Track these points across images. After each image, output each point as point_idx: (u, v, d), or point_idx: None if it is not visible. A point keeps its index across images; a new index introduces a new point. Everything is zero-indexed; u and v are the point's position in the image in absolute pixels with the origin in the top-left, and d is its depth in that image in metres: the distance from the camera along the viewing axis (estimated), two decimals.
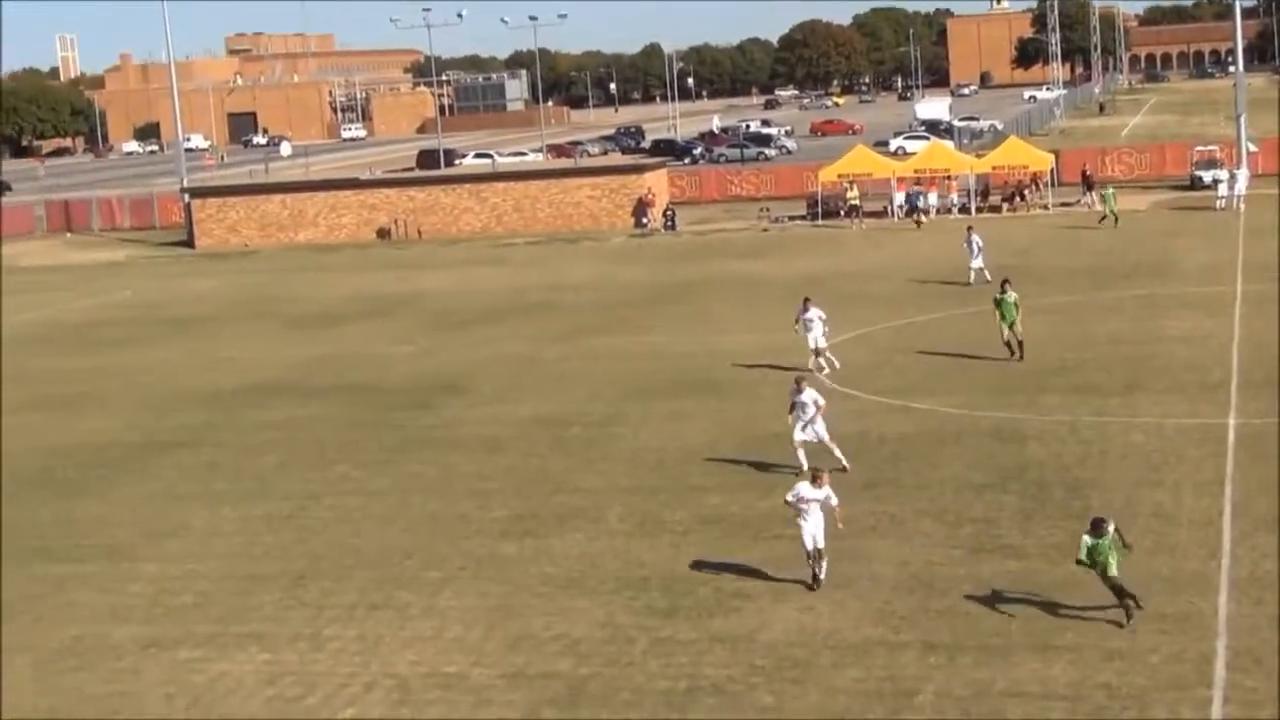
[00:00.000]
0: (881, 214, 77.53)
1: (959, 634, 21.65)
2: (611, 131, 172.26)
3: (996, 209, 77.89)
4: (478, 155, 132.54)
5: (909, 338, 44.40)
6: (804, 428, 30.30)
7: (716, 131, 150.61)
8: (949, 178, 79.21)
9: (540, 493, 30.24)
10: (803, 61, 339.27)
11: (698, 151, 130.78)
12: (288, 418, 39.39)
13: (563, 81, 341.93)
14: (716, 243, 74.11)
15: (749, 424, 35.07)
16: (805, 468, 29.27)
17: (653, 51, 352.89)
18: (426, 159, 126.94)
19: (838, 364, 39.80)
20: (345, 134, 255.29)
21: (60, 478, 34.53)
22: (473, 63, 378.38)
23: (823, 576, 23.85)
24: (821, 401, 30.48)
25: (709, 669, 20.92)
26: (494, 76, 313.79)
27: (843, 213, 77.49)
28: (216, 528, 29.64)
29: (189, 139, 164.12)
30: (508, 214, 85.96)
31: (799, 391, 30.42)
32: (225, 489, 32.49)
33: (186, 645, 23.31)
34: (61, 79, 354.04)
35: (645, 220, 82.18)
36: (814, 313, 39.69)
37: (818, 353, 39.75)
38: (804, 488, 24.09)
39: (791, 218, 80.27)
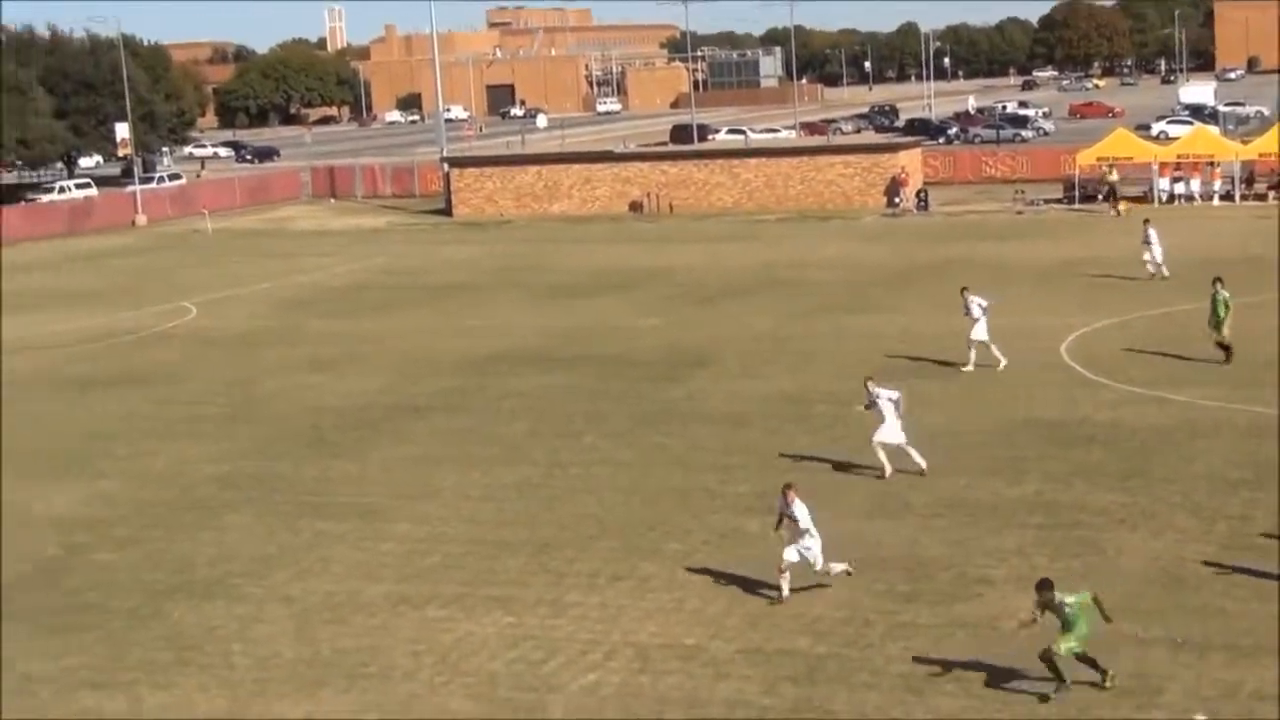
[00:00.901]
0: (1141, 199, 75.71)
1: (1209, 632, 21.19)
2: (865, 110, 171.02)
3: (1262, 196, 75.52)
4: (730, 131, 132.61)
5: (1166, 328, 43.33)
6: (884, 428, 29.61)
7: (972, 112, 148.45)
8: (1212, 164, 76.97)
9: (782, 469, 30.29)
10: (1063, 43, 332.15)
11: (952, 132, 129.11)
12: (537, 386, 40.06)
13: (817, 59, 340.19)
14: (969, 224, 73.19)
15: (994, 409, 34.66)
16: (888, 470, 29.33)
17: (909, 30, 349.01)
18: (680, 134, 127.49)
19: (1003, 360, 38.53)
20: (600, 108, 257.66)
21: (323, 437, 35.64)
22: (728, 39, 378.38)
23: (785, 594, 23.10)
24: (895, 396, 29.69)
25: (948, 655, 20.80)
26: (748, 53, 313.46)
27: (1100, 197, 75.87)
28: (466, 492, 30.32)
29: (449, 110, 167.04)
30: (759, 190, 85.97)
31: (872, 391, 29.71)
32: (476, 454, 33.19)
33: (434, 605, 23.95)
34: (329, 50, 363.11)
35: (897, 200, 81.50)
36: (975, 301, 38.73)
37: (975, 344, 38.58)
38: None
39: (1047, 201, 78.85)
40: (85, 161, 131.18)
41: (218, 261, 73.85)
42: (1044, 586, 19.43)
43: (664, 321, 49.23)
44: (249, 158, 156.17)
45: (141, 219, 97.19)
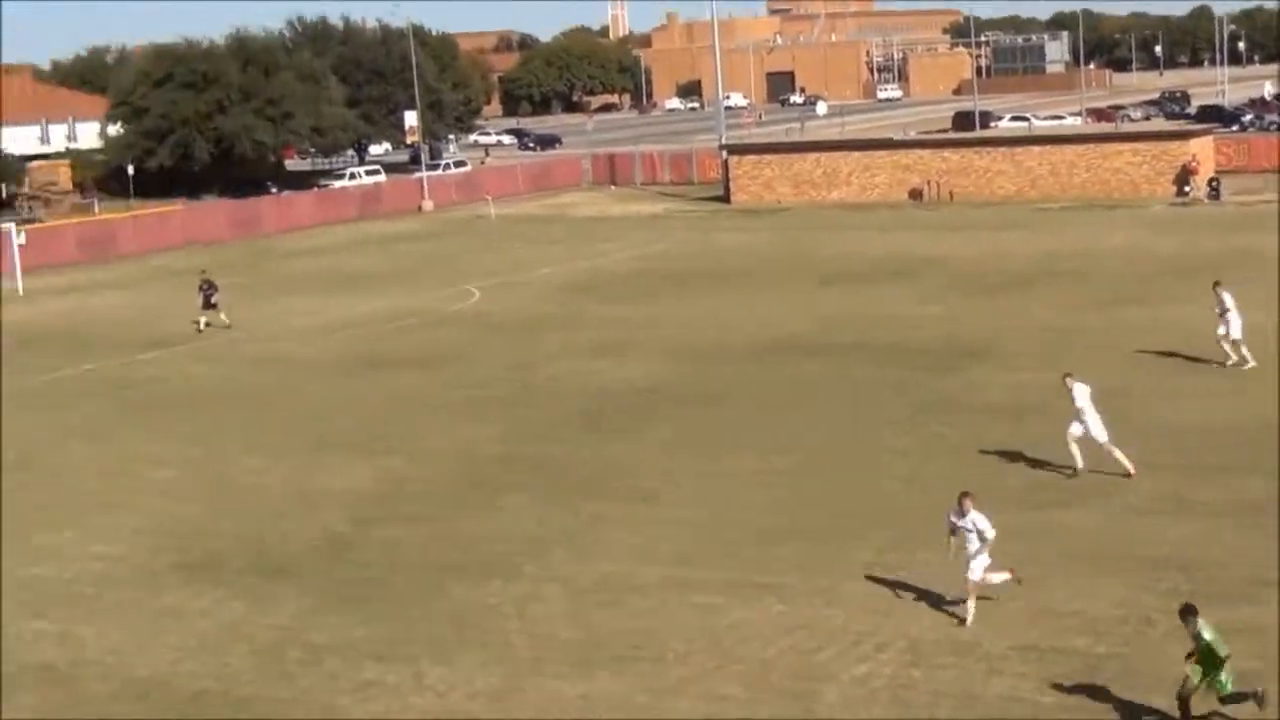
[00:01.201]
0: None
1: None
2: (1155, 96, 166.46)
3: None
4: (1014, 118, 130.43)
5: None
6: (1078, 424, 29.02)
7: (1268, 98, 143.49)
8: None
9: (1059, 464, 29.71)
10: None
11: (1247, 119, 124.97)
12: (814, 373, 40.01)
13: (1105, 43, 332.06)
14: (1264, 214, 70.72)
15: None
16: (1079, 466, 28.60)
17: (1202, 13, 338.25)
18: (962, 121, 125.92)
19: (1250, 360, 37.25)
20: (881, 94, 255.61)
21: (601, 421, 36.15)
22: (1012, 23, 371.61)
23: (967, 617, 22.07)
24: (1088, 391, 29.12)
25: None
26: (1034, 38, 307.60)
27: None
28: (741, 478, 30.44)
29: (729, 97, 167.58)
30: (1043, 178, 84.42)
31: (1070, 389, 29.22)
32: (751, 440, 33.31)
33: (707, 590, 24.12)
34: (611, 38, 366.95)
35: (1188, 189, 79.25)
36: (1226, 297, 37.36)
37: (1226, 341, 37.34)
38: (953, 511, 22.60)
39: None
40: (375, 149, 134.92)
41: (501, 247, 75.36)
42: (1188, 612, 18.41)
43: (943, 310, 48.71)
44: (531, 145, 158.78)
45: (428, 205, 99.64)
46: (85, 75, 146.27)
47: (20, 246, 70.06)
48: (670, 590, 24.18)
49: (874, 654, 21.20)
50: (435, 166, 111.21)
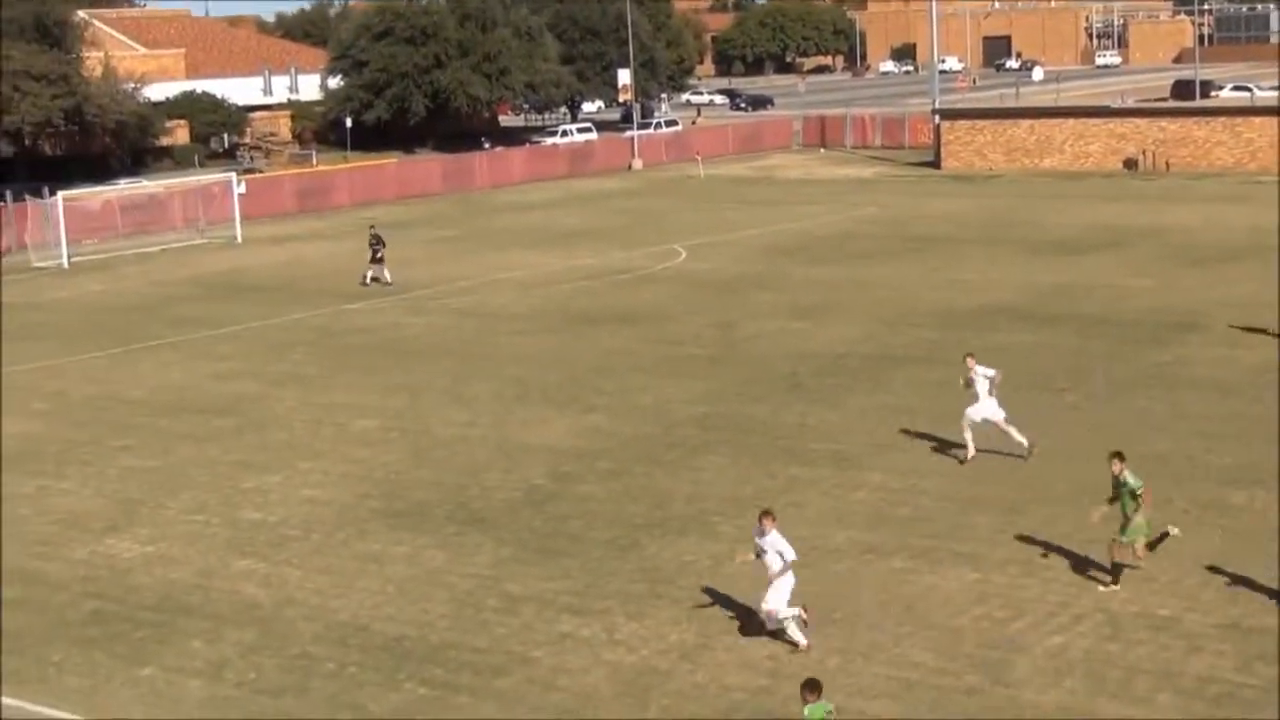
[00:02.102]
0: None
1: None
2: None
3: None
4: (1235, 88, 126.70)
5: None
6: (978, 406, 28.77)
7: None
8: None
9: (1266, 442, 28.94)
10: None
11: None
12: (1019, 342, 39.46)
13: None
14: None
15: None
16: (971, 451, 28.75)
17: None
18: (1181, 90, 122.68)
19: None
20: (1099, 61, 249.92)
21: (801, 383, 36.08)
22: None
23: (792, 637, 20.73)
24: (991, 373, 28.67)
25: None
26: (1259, 6, 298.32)
27: None
28: (940, 445, 30.18)
29: (943, 61, 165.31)
30: (1263, 150, 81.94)
31: (972, 369, 28.81)
32: (952, 408, 32.82)
33: (902, 556, 24.01)
34: (825, 0, 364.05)
35: None
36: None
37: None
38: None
39: None
40: (587, 106, 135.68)
41: (708, 206, 75.42)
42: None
43: (1154, 282, 47.67)
44: (743, 105, 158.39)
45: (638, 163, 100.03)
46: (307, 28, 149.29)
47: (240, 195, 71.87)
48: (864, 554, 24.11)
49: (1070, 625, 20.93)
50: (646, 125, 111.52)
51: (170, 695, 20.17)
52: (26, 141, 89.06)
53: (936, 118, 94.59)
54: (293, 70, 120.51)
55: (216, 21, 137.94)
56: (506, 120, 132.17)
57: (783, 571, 20.64)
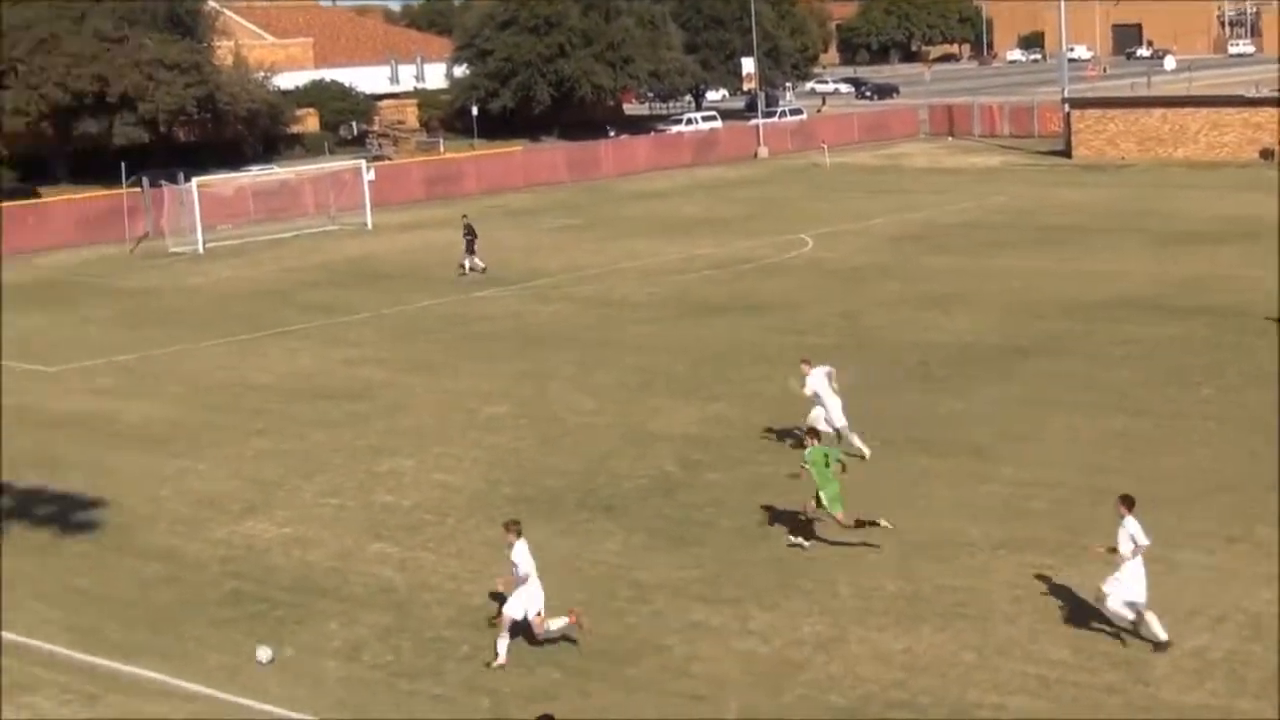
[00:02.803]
0: None
1: None
2: None
3: None
4: None
5: None
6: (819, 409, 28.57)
7: None
8: None
9: None
10: None
11: None
12: (1150, 334, 38.95)
13: None
14: None
15: None
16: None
17: None
18: None
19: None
20: (1232, 49, 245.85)
21: (930, 373, 35.88)
22: None
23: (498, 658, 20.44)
24: (830, 370, 28.99)
25: None
26: None
27: None
28: (1072, 438, 29.89)
29: (1072, 50, 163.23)
30: None
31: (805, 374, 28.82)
32: (1082, 400, 32.65)
33: (1036, 550, 23.80)
34: None
35: None
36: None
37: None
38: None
39: None
40: (712, 95, 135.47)
41: (834, 195, 75.10)
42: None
43: None
44: (868, 94, 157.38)
45: (763, 151, 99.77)
46: (433, 18, 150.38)
47: (370, 182, 72.59)
48: (998, 548, 23.93)
49: (1211, 626, 20.65)
50: (771, 114, 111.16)
51: (308, 675, 20.48)
52: (161, 129, 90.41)
53: (1066, 107, 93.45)
54: (419, 59, 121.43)
55: (343, 11, 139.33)
56: (631, 109, 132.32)
57: (523, 584, 20.43)
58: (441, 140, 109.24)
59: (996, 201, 69.56)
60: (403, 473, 29.69)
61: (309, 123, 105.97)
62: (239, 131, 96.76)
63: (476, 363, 39.54)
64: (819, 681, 19.62)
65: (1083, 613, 21.13)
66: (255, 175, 79.10)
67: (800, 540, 24.26)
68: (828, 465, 23.85)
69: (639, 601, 22.52)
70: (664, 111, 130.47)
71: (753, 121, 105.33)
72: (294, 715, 19.32)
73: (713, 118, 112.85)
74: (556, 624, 20.79)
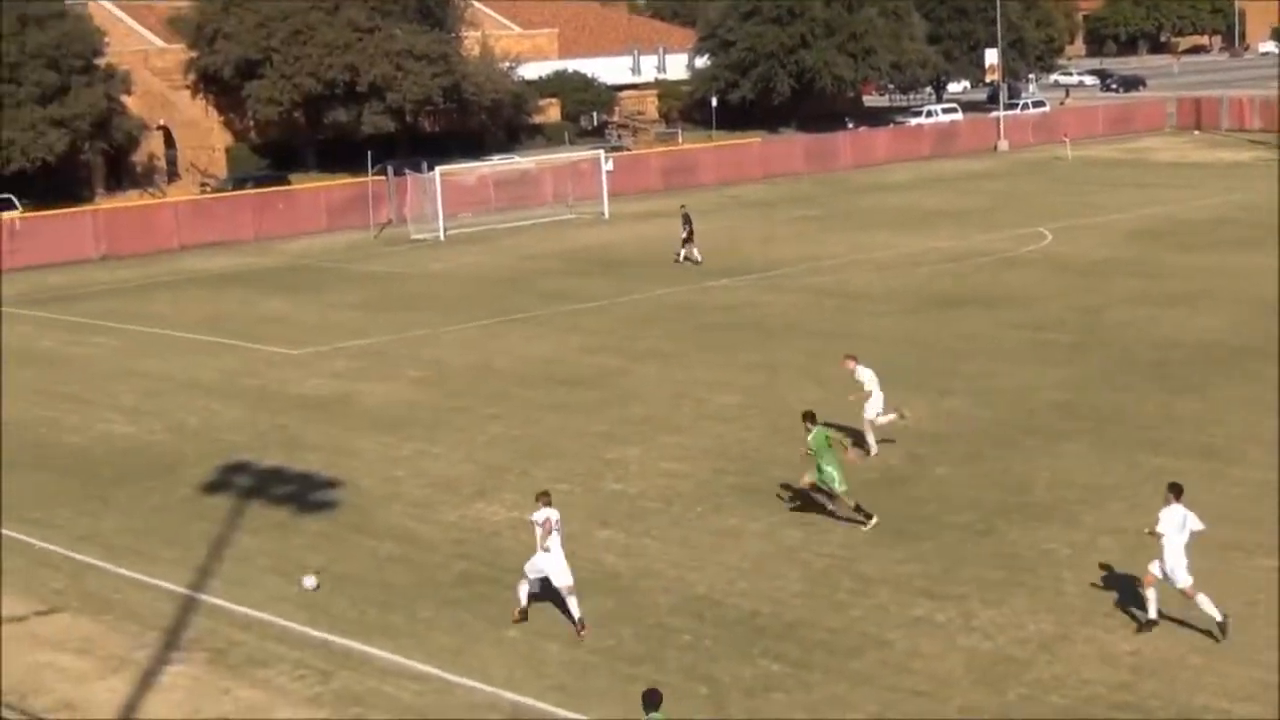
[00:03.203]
0: None
1: None
2: None
3: None
4: None
5: None
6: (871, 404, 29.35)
7: None
8: None
9: None
10: None
11: None
12: None
13: None
14: None
15: None
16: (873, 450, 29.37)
17: None
18: None
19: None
20: None
21: (1168, 372, 35.11)
22: None
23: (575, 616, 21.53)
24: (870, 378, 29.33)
25: None
26: None
27: None
28: None
29: None
30: None
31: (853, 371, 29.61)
32: None
33: (1267, 554, 23.19)
34: None
35: None
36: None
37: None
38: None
39: None
40: (953, 86, 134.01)
41: (1074, 189, 73.79)
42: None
43: None
44: (1114, 86, 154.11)
45: (1003, 144, 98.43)
46: (676, 8, 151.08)
47: (608, 172, 73.31)
48: (1232, 551, 23.32)
49: None
50: (1013, 106, 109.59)
51: (532, 658, 20.85)
52: (408, 118, 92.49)
53: None
54: (660, 50, 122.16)
55: (589, 3, 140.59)
56: (870, 100, 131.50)
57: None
58: (680, 131, 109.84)
59: (1244, 198, 67.62)
60: (630, 460, 30.00)
61: (551, 113, 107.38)
62: (482, 121, 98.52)
63: (708, 352, 39.74)
64: (1042, 681, 19.39)
65: None
66: (496, 164, 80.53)
67: (798, 503, 26.24)
68: (829, 445, 25.21)
69: (861, 595, 22.48)
70: (904, 103, 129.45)
71: (994, 114, 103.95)
72: (515, 697, 19.69)
73: (953, 110, 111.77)
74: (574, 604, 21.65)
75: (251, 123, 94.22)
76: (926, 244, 57.10)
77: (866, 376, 29.38)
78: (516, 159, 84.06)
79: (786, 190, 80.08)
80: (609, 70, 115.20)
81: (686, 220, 54.76)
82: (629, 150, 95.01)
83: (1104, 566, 22.91)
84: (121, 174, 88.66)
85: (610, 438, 31.80)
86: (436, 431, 32.93)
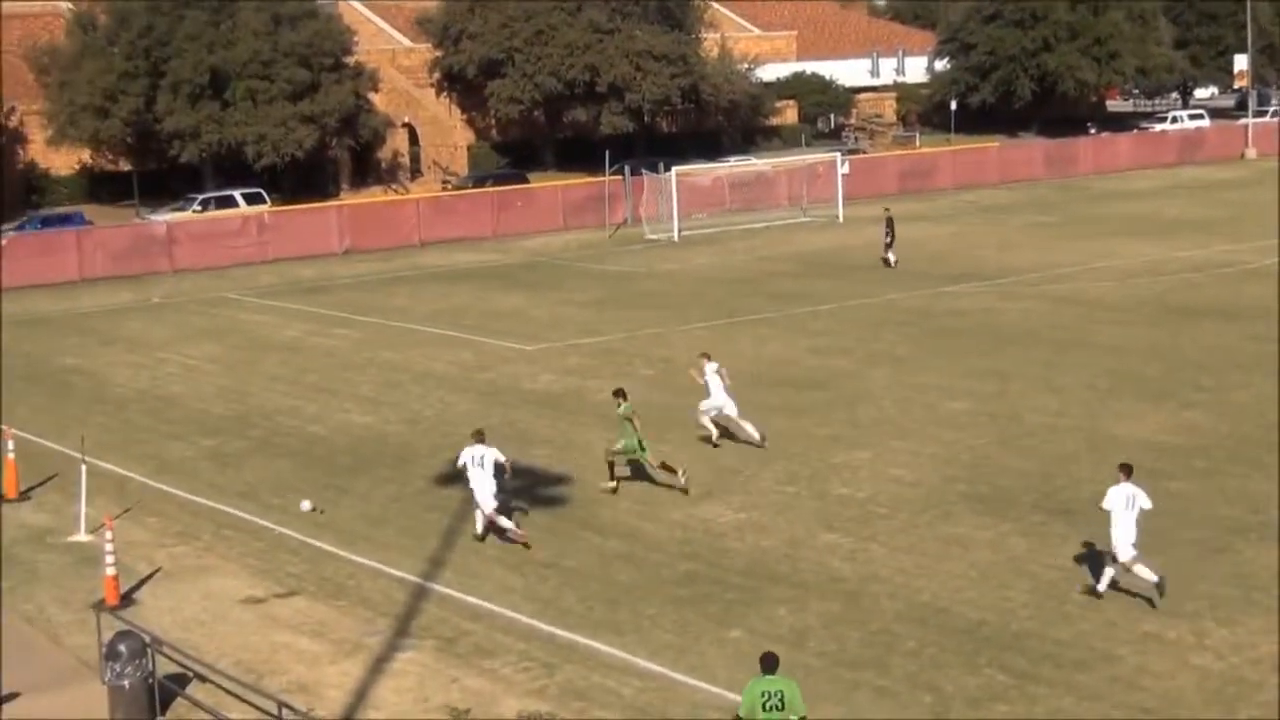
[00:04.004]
0: None
1: None
2: None
3: None
4: None
5: None
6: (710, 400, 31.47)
7: None
8: None
9: None
10: None
11: None
12: None
13: None
14: None
15: None
16: (714, 434, 31.66)
17: None
18: None
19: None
20: None
21: None
22: None
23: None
24: (717, 368, 31.39)
25: None
26: None
27: None
28: None
29: None
30: None
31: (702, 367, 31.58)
32: None
33: None
34: None
35: None
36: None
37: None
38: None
39: None
40: (1200, 92, 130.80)
41: None
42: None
43: None
44: None
45: (1251, 152, 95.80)
46: (918, 11, 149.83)
47: (844, 175, 73.03)
48: None
49: None
50: (1262, 113, 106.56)
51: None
52: (646, 119, 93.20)
53: None
54: (900, 52, 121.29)
55: (829, 4, 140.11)
56: (1113, 105, 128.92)
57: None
58: (918, 134, 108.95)
59: None
60: (859, 465, 29.89)
61: (788, 115, 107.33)
62: (719, 122, 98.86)
63: (941, 358, 39.39)
64: (1274, 703, 18.88)
65: None
66: (732, 166, 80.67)
67: (609, 484, 28.74)
68: (631, 421, 28.30)
69: (1091, 608, 22.10)
70: (1148, 109, 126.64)
71: (1242, 121, 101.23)
72: (736, 697, 19.67)
73: (1199, 116, 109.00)
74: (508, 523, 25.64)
75: (493, 121, 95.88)
76: (1167, 253, 55.84)
77: (710, 372, 31.45)
78: (752, 160, 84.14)
79: (1025, 195, 78.92)
80: (847, 72, 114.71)
81: (889, 223, 54.70)
82: (865, 153, 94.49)
83: None
84: (366, 170, 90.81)
85: (838, 441, 31.71)
86: (666, 430, 33.08)
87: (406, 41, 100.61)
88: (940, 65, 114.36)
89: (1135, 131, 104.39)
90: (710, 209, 72.31)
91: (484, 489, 25.86)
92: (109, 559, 23.79)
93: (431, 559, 25.44)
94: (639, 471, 29.10)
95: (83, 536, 27.30)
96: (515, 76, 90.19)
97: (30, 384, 41.03)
